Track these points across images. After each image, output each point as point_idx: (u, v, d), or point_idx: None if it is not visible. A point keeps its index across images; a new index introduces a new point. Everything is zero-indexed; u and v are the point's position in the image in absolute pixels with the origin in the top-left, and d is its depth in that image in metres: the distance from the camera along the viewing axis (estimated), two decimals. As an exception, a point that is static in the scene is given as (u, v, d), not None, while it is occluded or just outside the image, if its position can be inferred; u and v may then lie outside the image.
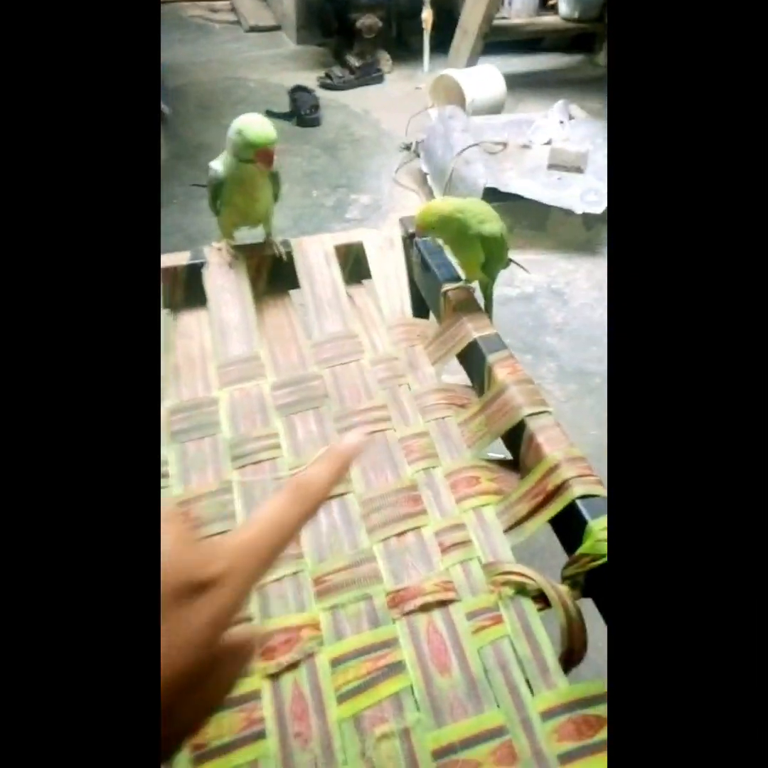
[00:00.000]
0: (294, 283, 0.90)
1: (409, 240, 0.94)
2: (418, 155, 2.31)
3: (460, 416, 0.74)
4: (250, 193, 0.83)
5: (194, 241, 1.93)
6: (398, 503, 0.64)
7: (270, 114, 2.55)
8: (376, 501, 0.65)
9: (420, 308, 0.96)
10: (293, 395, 0.76)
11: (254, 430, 0.71)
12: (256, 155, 0.77)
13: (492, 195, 1.78)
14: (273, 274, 0.91)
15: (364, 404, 0.75)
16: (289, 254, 0.90)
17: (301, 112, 2.57)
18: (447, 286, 0.84)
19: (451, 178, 1.94)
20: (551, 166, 1.93)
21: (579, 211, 1.78)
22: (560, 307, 1.72)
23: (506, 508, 0.64)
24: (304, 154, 2.47)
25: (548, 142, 2.00)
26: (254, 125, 0.76)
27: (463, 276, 0.84)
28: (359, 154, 2.52)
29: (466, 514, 0.64)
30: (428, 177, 2.13)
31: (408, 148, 2.40)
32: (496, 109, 2.37)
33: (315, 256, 0.91)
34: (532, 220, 1.86)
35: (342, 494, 0.66)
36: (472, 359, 0.77)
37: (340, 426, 0.72)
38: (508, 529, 0.63)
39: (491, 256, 0.78)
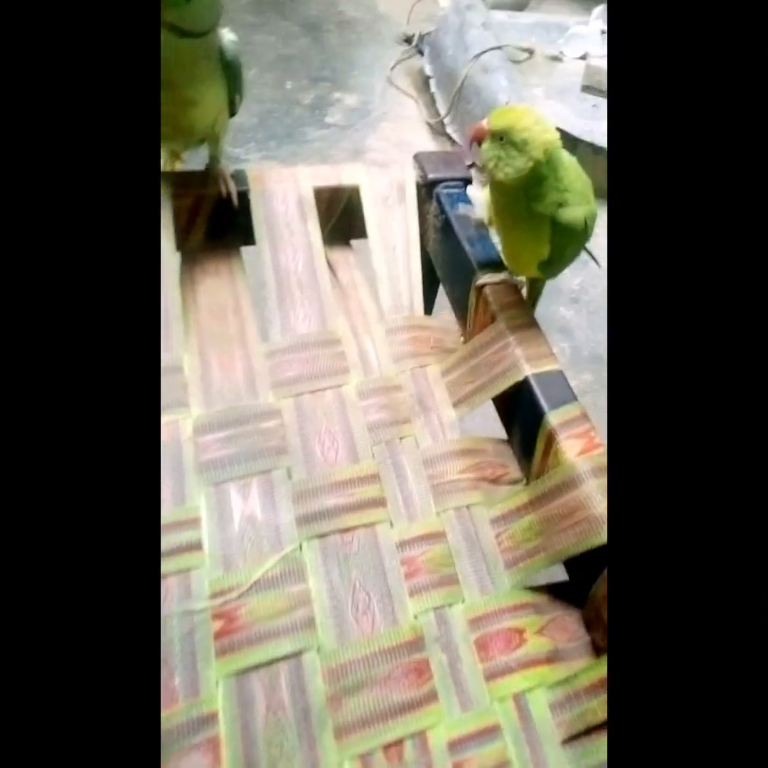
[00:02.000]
0: (248, 237, 0.59)
1: (426, 189, 0.63)
2: (420, 52, 1.90)
3: (497, 506, 0.47)
4: (180, 84, 0.49)
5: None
6: (392, 678, 0.38)
7: (242, -27, 2.05)
8: (354, 671, 0.38)
9: (431, 292, 0.66)
10: (230, 445, 0.47)
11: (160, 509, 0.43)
12: None
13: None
14: (216, 222, 0.59)
15: (344, 472, 0.47)
16: (243, 195, 0.58)
17: (281, -24, 2.08)
18: (484, 278, 0.54)
19: (463, 88, 1.57)
20: (586, 89, 1.57)
21: (615, 150, 1.46)
22: (577, 269, 1.43)
23: (569, 697, 0.39)
24: (279, 32, 2.01)
25: (583, 57, 1.62)
26: None
27: (508, 265, 0.55)
28: (347, 41, 2.07)
29: (501, 704, 0.39)
30: (432, 81, 1.74)
31: (409, 41, 1.97)
32: (519, 4, 1.95)
33: (282, 202, 0.59)
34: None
35: (297, 654, 0.39)
36: (519, 409, 0.49)
37: (302, 512, 0.44)
38: (571, 740, 0.38)
39: (561, 253, 0.48)
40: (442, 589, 0.42)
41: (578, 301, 1.36)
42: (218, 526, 0.43)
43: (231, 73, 0.51)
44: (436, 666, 0.39)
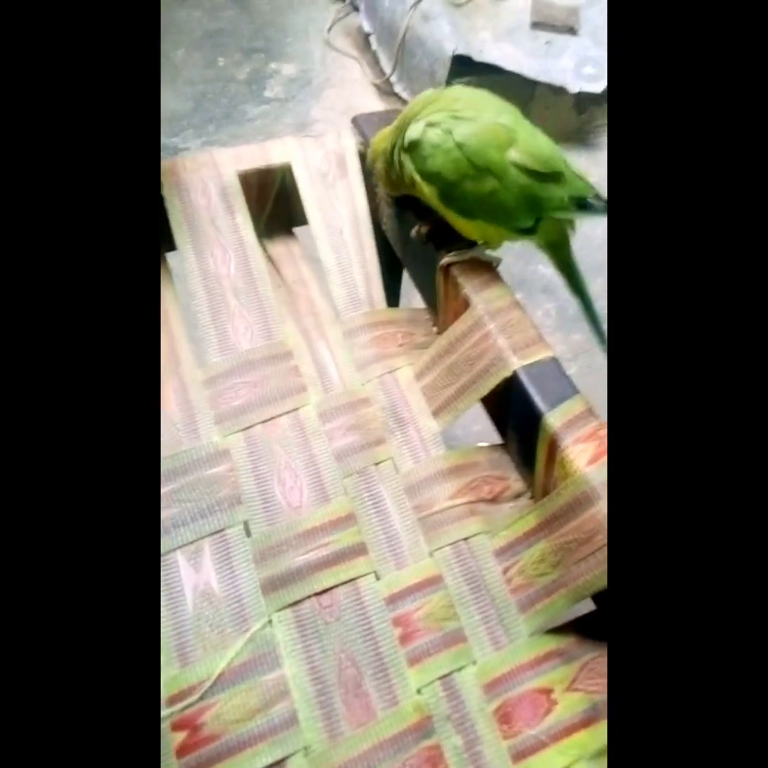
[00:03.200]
0: (171, 241, 0.49)
1: (371, 157, 0.53)
2: (356, 9, 1.76)
3: (500, 534, 0.39)
4: None
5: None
6: (398, 777, 0.31)
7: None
8: (353, 775, 0.31)
9: (394, 277, 0.58)
10: (173, 503, 0.38)
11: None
12: None
13: (462, 67, 1.32)
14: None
15: (313, 517, 0.38)
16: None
17: (197, -57, 1.92)
18: (449, 255, 0.45)
19: (405, 41, 1.45)
20: (535, 25, 1.46)
21: (574, 88, 1.35)
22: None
23: None
24: (204, 6, 1.86)
25: (529, -9, 1.50)
26: None
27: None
28: (277, 6, 1.93)
29: (538, 789, 0.31)
30: (372, 38, 1.62)
31: (342, -3, 1.83)
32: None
33: (202, 195, 0.49)
34: (511, 101, 1.39)
35: (279, 762, 0.31)
36: (512, 410, 0.41)
37: (267, 576, 0.36)
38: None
39: (446, 179, 0.40)
40: (448, 650, 0.34)
41: (557, 256, 1.27)
42: (167, 608, 0.35)
43: None
44: (450, 753, 0.32)
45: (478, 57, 1.33)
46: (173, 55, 1.72)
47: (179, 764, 0.32)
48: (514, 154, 0.39)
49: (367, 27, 1.65)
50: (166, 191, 0.49)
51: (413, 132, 0.41)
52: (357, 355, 0.46)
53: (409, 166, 0.42)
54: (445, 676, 0.34)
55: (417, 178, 0.42)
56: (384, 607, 0.36)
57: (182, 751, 0.32)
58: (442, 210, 0.43)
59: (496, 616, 0.36)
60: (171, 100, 1.48)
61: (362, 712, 0.33)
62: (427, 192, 0.42)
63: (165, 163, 0.50)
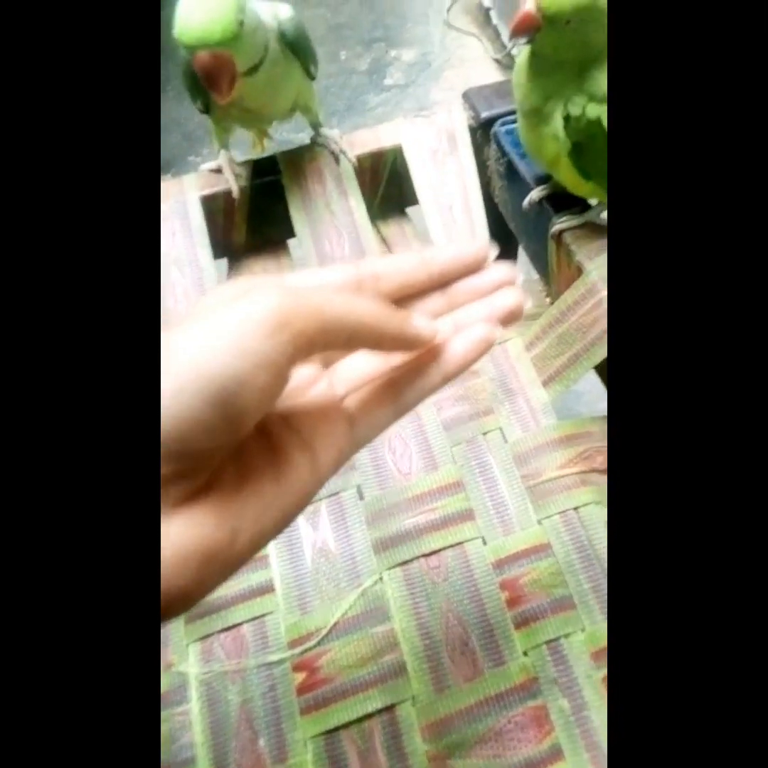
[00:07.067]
0: (291, 230, 0.53)
1: (482, 130, 0.53)
2: (475, -18, 1.73)
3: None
4: (259, 107, 0.48)
5: (195, 142, 1.52)
6: (504, 733, 0.32)
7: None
8: (458, 726, 0.32)
9: (509, 250, 0.57)
10: (292, 468, 0.42)
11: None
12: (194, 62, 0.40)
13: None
14: (257, 218, 0.54)
15: (422, 483, 0.40)
16: (279, 183, 0.52)
17: (319, -58, 1.98)
18: (561, 222, 0.44)
19: (526, 10, 1.40)
20: None
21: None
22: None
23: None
24: (328, 3, 1.92)
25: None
26: (185, 7, 0.38)
27: (588, 196, 0.45)
28: (398, -7, 1.94)
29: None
30: (493, 12, 1.58)
31: (461, -26, 1.80)
32: None
33: (319, 182, 0.52)
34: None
35: (389, 707, 0.33)
36: (627, 379, 0.40)
37: (379, 537, 0.38)
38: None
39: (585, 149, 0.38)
40: (555, 616, 0.34)
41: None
42: (289, 562, 0.39)
43: (299, 49, 0.46)
44: (556, 715, 0.32)
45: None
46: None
47: (299, 701, 0.35)
48: None
49: (486, 2, 1.62)
50: (286, 181, 0.52)
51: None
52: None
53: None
54: (552, 640, 0.34)
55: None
56: (491, 570, 0.36)
57: (302, 690, 0.35)
58: (563, 166, 0.41)
59: (607, 586, 0.35)
60: (297, 99, 1.56)
61: (468, 669, 0.34)
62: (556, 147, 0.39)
63: (284, 154, 0.54)
